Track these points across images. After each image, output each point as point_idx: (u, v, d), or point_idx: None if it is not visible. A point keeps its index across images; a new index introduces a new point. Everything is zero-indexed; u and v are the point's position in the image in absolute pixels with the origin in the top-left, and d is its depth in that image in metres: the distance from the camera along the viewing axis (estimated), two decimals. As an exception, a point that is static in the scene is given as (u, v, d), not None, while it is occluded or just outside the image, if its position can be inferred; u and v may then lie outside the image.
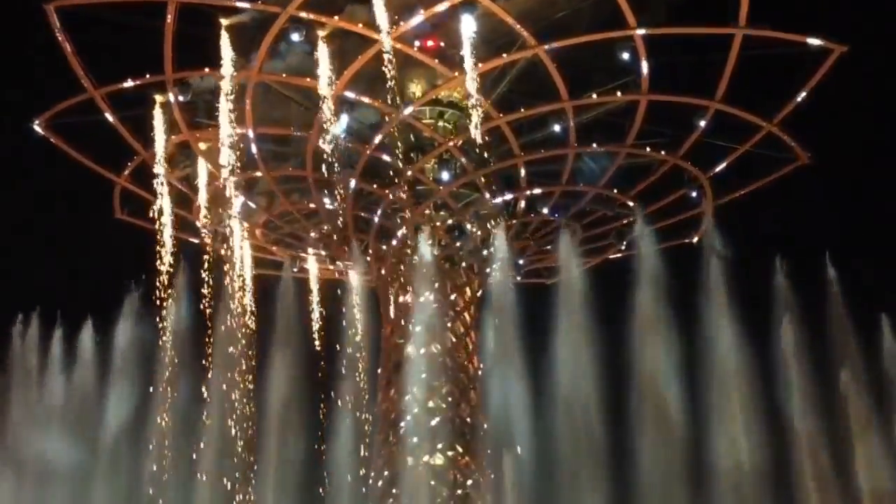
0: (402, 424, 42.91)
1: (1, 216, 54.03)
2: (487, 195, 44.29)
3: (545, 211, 46.11)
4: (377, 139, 42.96)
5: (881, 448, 30.66)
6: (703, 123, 43.09)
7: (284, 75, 42.00)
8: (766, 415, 30.43)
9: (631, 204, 45.68)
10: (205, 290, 42.02)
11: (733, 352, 31.15)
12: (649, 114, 42.65)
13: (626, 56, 40.39)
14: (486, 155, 42.33)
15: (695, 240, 46.71)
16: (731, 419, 30.25)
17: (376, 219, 45.44)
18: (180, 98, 41.57)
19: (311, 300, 47.59)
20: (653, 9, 39.70)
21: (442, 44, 41.94)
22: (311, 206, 45.91)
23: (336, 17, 39.55)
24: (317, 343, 45.69)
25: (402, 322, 45.04)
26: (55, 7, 38.70)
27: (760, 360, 31.33)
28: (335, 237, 45.56)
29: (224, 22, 39.84)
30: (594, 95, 42.55)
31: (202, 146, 44.43)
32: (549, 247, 47.38)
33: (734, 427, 30.07)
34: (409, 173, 43.79)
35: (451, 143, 43.67)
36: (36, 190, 56.36)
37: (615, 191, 45.94)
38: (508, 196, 45.49)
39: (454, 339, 45.04)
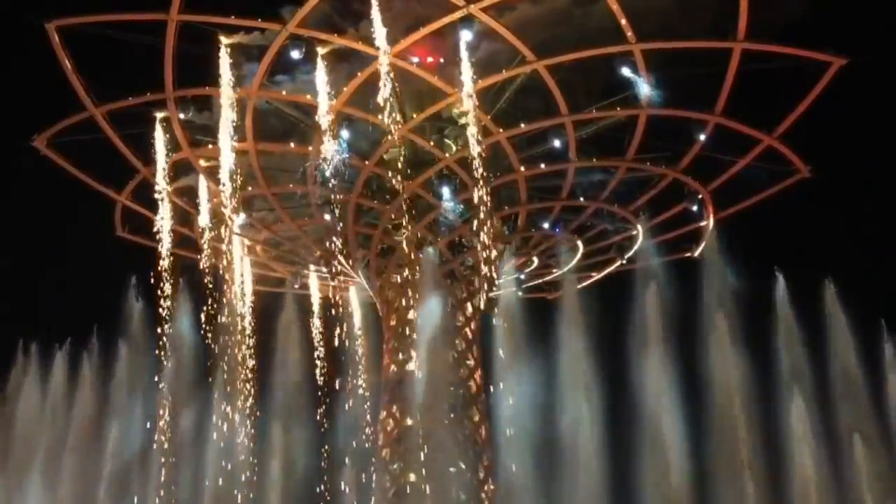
0: (405, 440, 42.81)
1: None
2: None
3: (546, 226, 46.09)
4: (376, 156, 42.95)
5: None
6: (703, 137, 42.96)
7: (284, 92, 42.10)
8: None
9: (631, 218, 45.65)
10: (206, 305, 42.00)
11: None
12: (651, 128, 42.66)
13: (627, 71, 40.36)
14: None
15: (695, 253, 46.65)
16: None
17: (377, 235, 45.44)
18: (181, 116, 41.54)
19: (312, 318, 47.53)
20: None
21: (442, 60, 41.96)
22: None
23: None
24: (318, 359, 45.68)
25: (404, 338, 44.96)
26: (56, 26, 38.78)
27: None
28: (336, 254, 45.41)
29: (225, 41, 39.85)
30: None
31: (203, 163, 44.37)
32: (551, 261, 47.36)
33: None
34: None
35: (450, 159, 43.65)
36: (35, 207, 56.40)
37: (615, 205, 45.86)
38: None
39: (455, 355, 44.89)
